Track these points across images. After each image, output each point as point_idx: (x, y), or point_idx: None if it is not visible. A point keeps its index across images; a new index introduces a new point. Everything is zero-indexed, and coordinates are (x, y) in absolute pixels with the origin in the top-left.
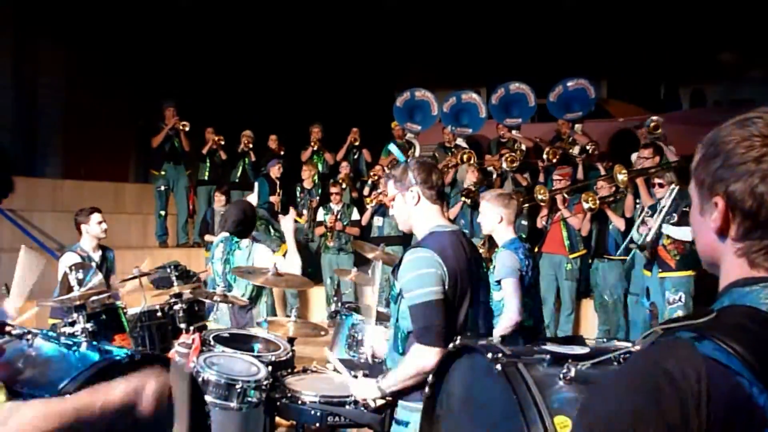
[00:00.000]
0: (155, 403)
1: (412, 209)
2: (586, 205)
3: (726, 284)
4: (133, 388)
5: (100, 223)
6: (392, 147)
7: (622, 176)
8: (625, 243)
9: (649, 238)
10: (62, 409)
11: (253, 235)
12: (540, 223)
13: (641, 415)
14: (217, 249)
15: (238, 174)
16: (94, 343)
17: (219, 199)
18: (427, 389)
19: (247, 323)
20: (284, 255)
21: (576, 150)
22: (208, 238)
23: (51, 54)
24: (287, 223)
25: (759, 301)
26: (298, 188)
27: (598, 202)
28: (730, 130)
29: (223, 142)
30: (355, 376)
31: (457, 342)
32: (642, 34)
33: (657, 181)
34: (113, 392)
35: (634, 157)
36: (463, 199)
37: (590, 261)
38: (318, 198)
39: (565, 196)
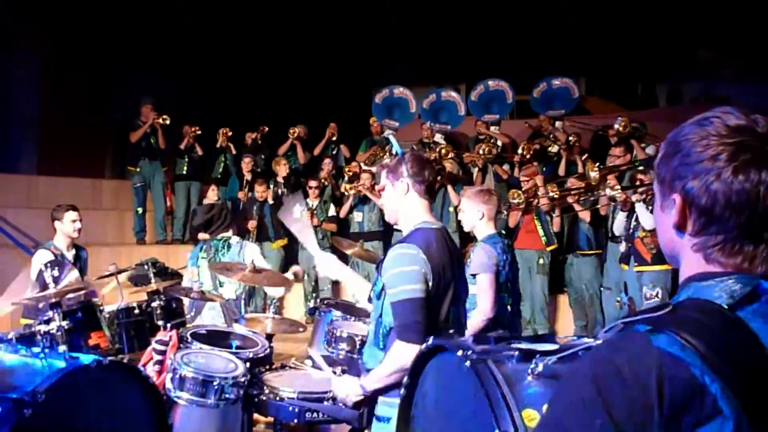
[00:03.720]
0: None
1: (401, 199)
2: (550, 194)
3: (685, 278)
4: None
5: (74, 221)
6: (391, 138)
7: (594, 173)
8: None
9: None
10: None
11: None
12: (513, 221)
13: (588, 411)
14: (201, 252)
15: (220, 169)
16: (60, 351)
17: (214, 193)
18: (402, 390)
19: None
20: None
21: (554, 148)
22: (202, 236)
23: (26, 47)
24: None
25: (713, 294)
26: (272, 182)
27: (560, 192)
28: (689, 129)
29: (199, 132)
30: (335, 372)
31: (430, 342)
32: (620, 32)
33: (639, 176)
34: None
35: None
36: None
37: (561, 257)
38: (286, 191)
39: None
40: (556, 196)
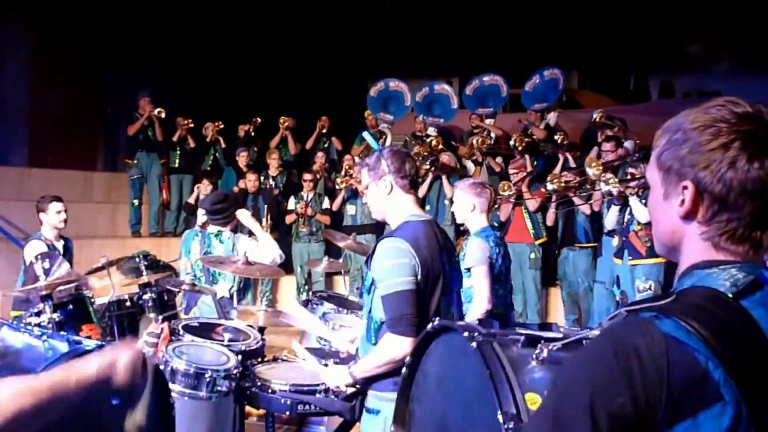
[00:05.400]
0: (130, 375)
1: (386, 198)
2: (550, 186)
3: (687, 266)
4: (107, 362)
5: (58, 212)
6: (366, 135)
7: (593, 170)
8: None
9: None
10: (37, 386)
11: (234, 226)
12: (504, 215)
13: (606, 388)
14: (193, 243)
15: (209, 162)
16: (63, 333)
17: (205, 188)
18: (404, 369)
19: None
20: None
21: (539, 135)
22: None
23: (17, 39)
24: (244, 215)
25: (718, 282)
26: (262, 176)
27: (563, 185)
28: (695, 116)
29: (192, 125)
30: (326, 365)
31: (436, 322)
32: (612, 26)
33: (630, 170)
34: (87, 367)
35: (593, 152)
36: (426, 165)
37: (557, 250)
38: (281, 187)
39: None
40: (557, 188)
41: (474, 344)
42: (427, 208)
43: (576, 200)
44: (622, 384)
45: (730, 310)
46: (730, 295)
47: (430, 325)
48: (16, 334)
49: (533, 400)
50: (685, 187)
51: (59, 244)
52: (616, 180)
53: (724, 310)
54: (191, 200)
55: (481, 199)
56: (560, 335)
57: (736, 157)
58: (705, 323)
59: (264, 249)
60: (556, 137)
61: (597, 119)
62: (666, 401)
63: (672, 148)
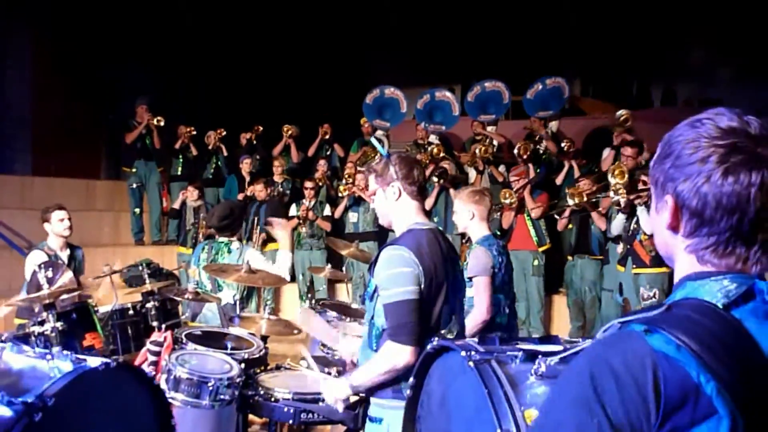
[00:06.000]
0: None
1: (393, 204)
2: (571, 201)
3: (680, 278)
4: None
5: (61, 220)
6: (374, 141)
7: (616, 179)
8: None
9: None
10: None
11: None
12: (506, 223)
13: (586, 411)
14: (203, 252)
15: (212, 170)
16: (66, 352)
17: (192, 194)
18: (408, 391)
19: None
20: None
21: (543, 147)
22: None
23: (20, 47)
24: (280, 233)
25: (709, 294)
26: (265, 182)
27: (584, 199)
28: (681, 130)
29: (194, 133)
30: (329, 373)
31: (435, 342)
32: (615, 33)
33: (643, 178)
34: None
35: (605, 153)
36: (434, 179)
37: (568, 258)
38: (289, 192)
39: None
40: (580, 202)
41: (471, 363)
42: (435, 219)
43: (592, 210)
44: (595, 408)
45: (722, 321)
46: (721, 306)
47: (429, 346)
48: (20, 357)
49: (532, 417)
50: (666, 201)
51: (64, 254)
52: (625, 190)
53: (715, 322)
54: (176, 205)
55: (480, 206)
56: (560, 347)
57: (712, 171)
58: (695, 336)
59: (277, 268)
60: (562, 144)
61: (621, 119)
62: (658, 418)
63: (660, 162)
